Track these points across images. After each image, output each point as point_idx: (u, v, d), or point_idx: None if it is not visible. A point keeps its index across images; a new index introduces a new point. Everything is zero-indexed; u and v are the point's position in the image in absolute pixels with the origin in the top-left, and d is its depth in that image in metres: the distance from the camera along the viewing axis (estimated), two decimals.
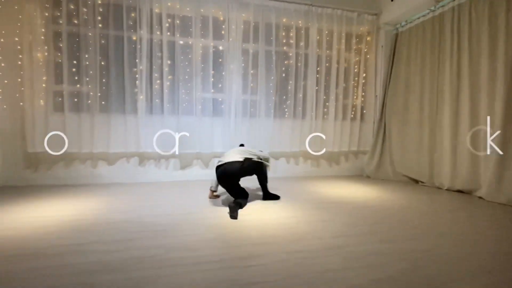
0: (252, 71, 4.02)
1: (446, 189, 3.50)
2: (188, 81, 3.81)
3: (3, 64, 3.28)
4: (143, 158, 3.81)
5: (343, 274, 1.40)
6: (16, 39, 3.30)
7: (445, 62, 3.55)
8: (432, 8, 3.68)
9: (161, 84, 3.71)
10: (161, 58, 3.69)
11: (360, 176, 4.62)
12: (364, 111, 4.67)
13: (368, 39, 4.50)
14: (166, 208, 2.51)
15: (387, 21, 4.33)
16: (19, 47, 3.31)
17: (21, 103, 3.36)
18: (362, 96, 4.60)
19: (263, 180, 2.76)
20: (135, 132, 3.67)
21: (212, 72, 3.88)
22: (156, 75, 3.68)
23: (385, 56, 4.44)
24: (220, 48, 3.94)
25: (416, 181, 3.98)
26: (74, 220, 2.15)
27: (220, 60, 3.95)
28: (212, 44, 3.85)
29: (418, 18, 3.94)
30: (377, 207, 2.69)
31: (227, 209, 2.46)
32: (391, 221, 2.27)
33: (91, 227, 2.02)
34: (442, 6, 3.55)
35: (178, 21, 3.71)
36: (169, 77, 3.73)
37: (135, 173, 3.77)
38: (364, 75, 4.56)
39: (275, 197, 2.85)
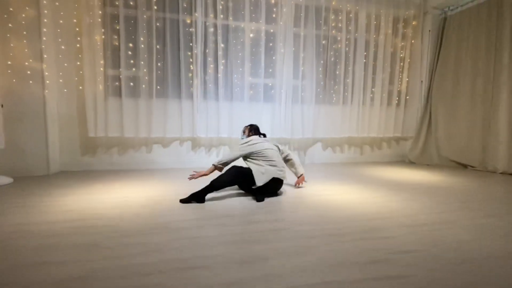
0: (303, 55, 3.98)
1: (501, 173, 3.53)
2: (240, 65, 3.77)
3: (62, 47, 3.23)
4: (195, 144, 3.80)
5: (480, 244, 1.42)
6: (74, 20, 3.24)
7: (503, 47, 3.52)
8: None
9: (215, 69, 3.67)
10: (216, 42, 3.63)
11: (402, 161, 4.64)
12: (407, 97, 4.65)
13: (414, 23, 4.45)
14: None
15: (435, 5, 4.27)
16: (77, 29, 3.25)
17: (80, 87, 3.32)
18: (407, 82, 4.58)
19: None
20: (189, 118, 3.65)
21: (263, 56, 3.82)
22: (209, 59, 3.63)
23: (432, 41, 4.39)
24: (271, 31, 3.89)
25: (465, 166, 4.01)
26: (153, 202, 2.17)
27: (271, 44, 3.90)
28: (264, 28, 3.79)
29: (472, 1, 3.89)
30: (445, 188, 2.72)
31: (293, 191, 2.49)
32: (474, 200, 2.29)
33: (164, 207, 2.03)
34: None
35: (231, 3, 3.64)
36: (222, 61, 3.68)
37: (187, 158, 3.77)
38: (409, 60, 4.53)
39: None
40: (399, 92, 4.52)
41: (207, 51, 3.62)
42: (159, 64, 3.52)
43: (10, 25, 2.84)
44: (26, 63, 2.95)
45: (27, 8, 2.92)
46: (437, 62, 4.35)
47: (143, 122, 3.50)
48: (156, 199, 2.18)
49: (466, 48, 3.97)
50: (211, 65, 3.65)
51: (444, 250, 1.35)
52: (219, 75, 3.66)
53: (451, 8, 4.20)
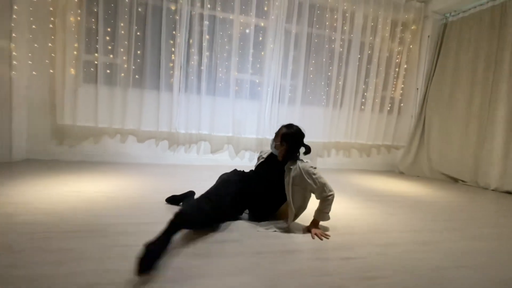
0: (292, 53, 3.78)
1: (493, 190, 3.34)
2: (226, 59, 3.57)
3: (34, 26, 3.02)
4: (173, 139, 3.60)
5: (459, 274, 1.22)
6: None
7: (504, 55, 3.33)
8: None
9: (198, 61, 3.47)
10: (201, 32, 3.43)
11: (392, 171, 4.45)
12: (402, 104, 4.46)
13: (413, 28, 4.25)
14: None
15: (436, 10, 4.08)
16: (51, 8, 3.04)
17: (51, 71, 3.11)
18: (401, 89, 4.39)
19: None
20: (168, 111, 3.45)
21: (252, 50, 3.63)
22: (193, 50, 3.43)
23: (430, 47, 4.20)
24: (262, 25, 3.69)
25: (456, 180, 3.82)
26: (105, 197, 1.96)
27: (261, 39, 3.70)
28: (253, 21, 3.59)
29: (475, 7, 3.69)
30: (430, 203, 2.52)
31: None
32: (462, 219, 2.10)
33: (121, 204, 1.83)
34: None
35: None
36: (207, 53, 3.48)
37: (164, 154, 3.57)
38: (406, 66, 4.33)
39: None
40: (392, 99, 4.33)
41: (191, 41, 3.42)
42: (138, 52, 3.32)
43: None
44: None
45: None
46: (434, 70, 4.16)
47: (117, 112, 3.30)
48: (113, 196, 1.97)
49: (466, 57, 3.78)
50: (195, 57, 3.45)
51: (416, 278, 1.15)
52: (202, 68, 3.46)
53: (452, 13, 4.01)
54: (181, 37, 3.34)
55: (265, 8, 3.64)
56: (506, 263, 1.37)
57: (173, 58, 3.39)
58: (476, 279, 1.18)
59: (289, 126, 1.65)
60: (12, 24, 2.82)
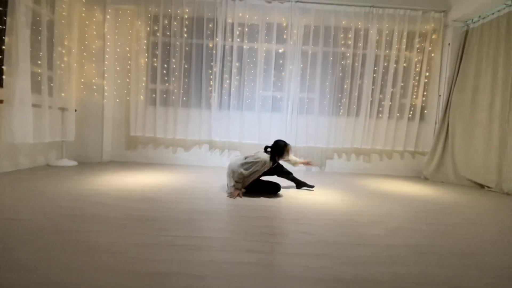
0: (309, 71, 4.36)
1: None
2: (252, 80, 4.36)
3: (118, 68, 4.34)
4: (211, 146, 4.51)
5: (384, 238, 1.68)
6: (127, 48, 4.32)
7: None
8: (509, 2, 3.46)
9: (230, 84, 4.35)
10: (231, 61, 4.32)
11: (418, 177, 4.51)
12: (425, 111, 4.55)
13: (433, 37, 4.39)
14: None
15: (456, 18, 4.16)
16: (128, 54, 4.33)
17: (128, 98, 4.37)
18: (424, 96, 4.50)
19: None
20: (207, 123, 4.39)
21: (274, 71, 4.34)
22: (225, 75, 4.32)
23: (451, 54, 4.26)
24: (281, 50, 4.39)
25: (482, 186, 3.76)
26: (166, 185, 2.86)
27: (281, 61, 4.40)
28: (274, 47, 4.33)
29: (493, 13, 3.72)
30: (439, 205, 2.76)
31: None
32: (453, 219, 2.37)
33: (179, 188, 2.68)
34: None
35: (246, 29, 4.29)
36: (237, 77, 4.34)
37: (205, 158, 4.49)
38: (427, 74, 4.45)
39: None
40: (414, 106, 4.47)
41: (224, 69, 4.33)
42: (186, 80, 4.37)
43: (84, 53, 4.02)
44: (93, 80, 4.09)
45: (96, 40, 4.08)
46: (456, 76, 4.19)
47: (170, 126, 4.37)
48: (163, 184, 2.90)
49: (486, 62, 3.78)
50: (227, 81, 4.34)
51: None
52: (232, 89, 4.32)
53: (473, 20, 4.04)
54: (216, 66, 4.28)
55: (284, 36, 4.34)
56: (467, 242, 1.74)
57: (211, 83, 4.34)
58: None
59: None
60: (105, 68, 4.15)
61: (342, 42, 4.38)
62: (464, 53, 4.14)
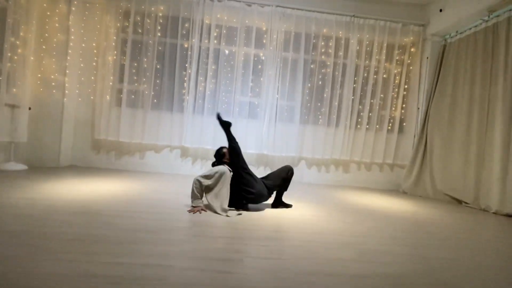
0: (289, 78, 4.20)
1: (493, 212, 3.19)
2: (229, 85, 4.14)
3: (82, 65, 3.99)
4: (183, 152, 4.20)
5: (352, 264, 1.46)
6: (94, 44, 4.00)
7: (498, 74, 3.31)
8: (486, 18, 3.47)
9: (205, 87, 4.10)
10: (207, 63, 4.09)
11: (396, 191, 4.41)
12: (404, 124, 4.49)
13: (412, 50, 4.38)
14: None
15: (434, 32, 4.18)
16: (95, 51, 4.00)
17: (92, 97, 4.01)
18: (403, 108, 4.45)
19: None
20: (179, 128, 4.09)
21: (252, 77, 4.15)
22: (201, 78, 4.08)
23: (430, 68, 4.25)
24: (261, 55, 4.22)
25: (459, 201, 3.69)
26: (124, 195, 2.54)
27: (260, 66, 4.22)
28: (253, 52, 4.15)
29: (470, 28, 3.74)
30: (417, 222, 2.60)
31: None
32: (420, 231, 2.21)
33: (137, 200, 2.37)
34: (497, 16, 3.34)
35: (224, 31, 4.09)
36: (213, 80, 4.10)
37: (175, 165, 4.17)
38: (406, 86, 4.42)
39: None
40: (393, 118, 4.40)
41: (199, 71, 4.09)
42: (157, 81, 4.08)
43: (44, 47, 3.65)
44: (52, 76, 3.72)
45: (59, 34, 3.73)
46: (435, 90, 4.18)
47: (139, 129, 4.04)
48: (130, 194, 2.57)
49: (464, 76, 3.78)
50: (202, 84, 4.09)
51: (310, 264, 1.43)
52: (207, 92, 4.08)
53: (451, 35, 4.06)
54: (191, 68, 4.03)
55: (264, 41, 4.18)
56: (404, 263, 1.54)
57: (185, 85, 4.08)
58: (356, 269, 1.41)
59: None
60: (67, 64, 3.79)
61: (323, 50, 4.27)
62: (442, 67, 4.14)
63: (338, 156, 4.29)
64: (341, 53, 4.26)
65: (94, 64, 4.00)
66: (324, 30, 4.25)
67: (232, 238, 1.72)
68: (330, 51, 4.26)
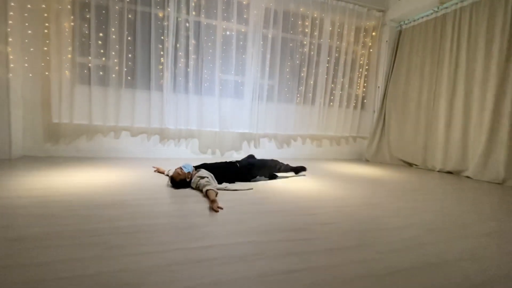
0: (269, 56, 4.24)
1: (438, 171, 4.03)
2: (211, 61, 3.95)
3: (29, 31, 3.22)
4: (164, 135, 3.93)
5: (392, 220, 1.75)
6: (43, 6, 3.24)
7: (444, 59, 4.01)
8: (436, 9, 4.10)
9: (185, 63, 3.82)
10: (187, 37, 3.78)
11: (360, 159, 5.08)
12: (365, 101, 5.09)
13: (373, 34, 4.88)
14: None
15: (392, 18, 4.72)
16: (45, 14, 3.26)
17: (47, 73, 3.33)
18: (364, 87, 5.01)
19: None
20: (159, 109, 3.78)
21: (235, 54, 4.03)
22: (180, 53, 3.78)
23: (388, 51, 4.85)
24: (242, 30, 4.11)
25: (410, 164, 4.50)
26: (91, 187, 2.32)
27: (241, 43, 4.12)
28: (235, 27, 4.00)
29: (422, 17, 4.36)
30: (386, 182, 3.11)
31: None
32: (401, 190, 2.69)
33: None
34: (445, 7, 3.98)
35: (203, 1, 3.81)
36: (193, 56, 3.85)
37: (155, 149, 3.89)
38: (367, 67, 4.96)
39: None
40: (357, 96, 4.94)
41: (178, 45, 3.76)
42: (129, 55, 3.61)
43: None
44: None
45: None
46: (392, 70, 4.82)
47: (111, 111, 3.58)
48: (113, 182, 2.32)
49: (416, 59, 4.45)
50: (182, 60, 3.80)
51: (360, 223, 1.65)
52: (189, 69, 3.82)
53: (406, 22, 4.67)
54: (168, 41, 3.68)
55: (245, 16, 4.06)
56: (428, 216, 1.93)
57: (162, 60, 3.72)
58: (401, 223, 1.71)
59: None
60: (8, 29, 3.02)
61: (300, 29, 4.40)
62: (398, 50, 4.77)
63: (315, 132, 4.65)
64: (316, 33, 4.47)
65: (45, 31, 3.27)
66: (301, 9, 4.35)
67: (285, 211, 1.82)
68: (306, 30, 4.42)
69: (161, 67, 3.74)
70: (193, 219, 1.55)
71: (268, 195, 2.17)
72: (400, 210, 1.96)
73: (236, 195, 2.11)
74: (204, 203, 1.85)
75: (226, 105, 4.08)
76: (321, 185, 2.69)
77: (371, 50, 4.96)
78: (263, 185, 2.51)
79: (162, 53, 3.72)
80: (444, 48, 4.02)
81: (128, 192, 2.04)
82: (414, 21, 4.52)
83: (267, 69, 4.24)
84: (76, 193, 1.92)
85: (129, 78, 3.64)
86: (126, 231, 1.33)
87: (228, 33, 4.00)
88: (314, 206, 1.94)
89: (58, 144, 3.51)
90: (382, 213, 1.87)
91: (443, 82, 4.01)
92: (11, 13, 3.02)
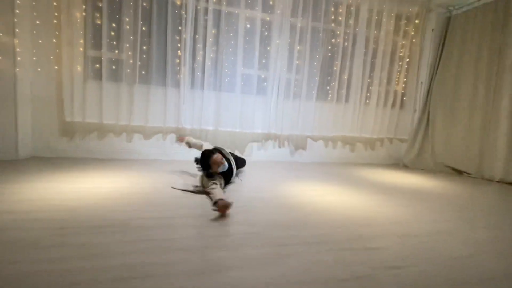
0: (298, 48, 3.76)
1: (497, 181, 3.39)
2: (232, 53, 3.54)
3: (37, 22, 2.97)
4: (180, 134, 3.57)
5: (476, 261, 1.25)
6: None
7: (506, 49, 3.36)
8: None
9: (204, 56, 3.45)
10: (206, 27, 3.40)
11: (397, 165, 4.48)
12: (405, 98, 4.48)
13: (416, 21, 4.26)
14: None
15: (440, 3, 4.08)
16: (55, 3, 2.99)
17: (56, 67, 3.07)
18: (404, 82, 4.41)
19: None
20: (175, 107, 3.43)
21: (259, 46, 3.60)
22: (199, 45, 3.40)
23: (434, 41, 4.21)
24: (267, 19, 3.67)
25: (461, 172, 3.86)
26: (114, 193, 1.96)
27: (266, 33, 3.68)
28: (260, 15, 3.57)
29: (478, 0, 3.70)
30: (438, 195, 2.56)
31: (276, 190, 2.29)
32: (470, 210, 2.14)
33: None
34: None
35: None
36: (213, 48, 3.46)
37: (171, 149, 3.55)
38: (408, 60, 4.35)
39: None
40: (396, 93, 4.35)
41: (196, 36, 3.39)
42: (144, 47, 3.29)
43: None
44: None
45: None
46: (438, 63, 4.18)
47: (123, 109, 3.27)
48: (125, 192, 1.97)
49: (470, 50, 3.80)
50: (200, 52, 3.42)
51: (437, 267, 1.17)
52: (207, 63, 3.44)
53: (456, 7, 4.01)
54: (187, 32, 3.31)
55: (271, 2, 3.61)
56: None
57: (179, 54, 3.36)
58: (493, 266, 1.21)
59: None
60: (15, 19, 2.77)
61: (332, 17, 3.89)
62: (446, 40, 4.12)
63: (348, 133, 4.13)
64: (351, 22, 3.93)
65: (55, 21, 3.01)
66: None
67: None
68: (340, 18, 3.89)
69: (178, 60, 3.38)
70: (214, 253, 1.14)
71: (306, 215, 1.73)
72: (492, 243, 1.45)
73: (262, 216, 1.68)
74: (225, 226, 1.44)
75: (248, 103, 3.66)
76: (366, 199, 2.20)
77: (413, 40, 4.33)
78: (267, 196, 2.06)
79: (179, 45, 3.36)
80: (507, 36, 3.36)
81: (137, 207, 1.67)
82: (468, 5, 3.86)
83: (295, 62, 3.77)
84: (73, 207, 1.58)
85: (143, 72, 3.31)
86: (121, 274, 0.94)
87: (252, 22, 3.57)
88: (368, 235, 1.47)
89: (69, 144, 3.25)
90: (471, 249, 1.37)
91: (506, 77, 3.35)
92: (18, 1, 2.76)
